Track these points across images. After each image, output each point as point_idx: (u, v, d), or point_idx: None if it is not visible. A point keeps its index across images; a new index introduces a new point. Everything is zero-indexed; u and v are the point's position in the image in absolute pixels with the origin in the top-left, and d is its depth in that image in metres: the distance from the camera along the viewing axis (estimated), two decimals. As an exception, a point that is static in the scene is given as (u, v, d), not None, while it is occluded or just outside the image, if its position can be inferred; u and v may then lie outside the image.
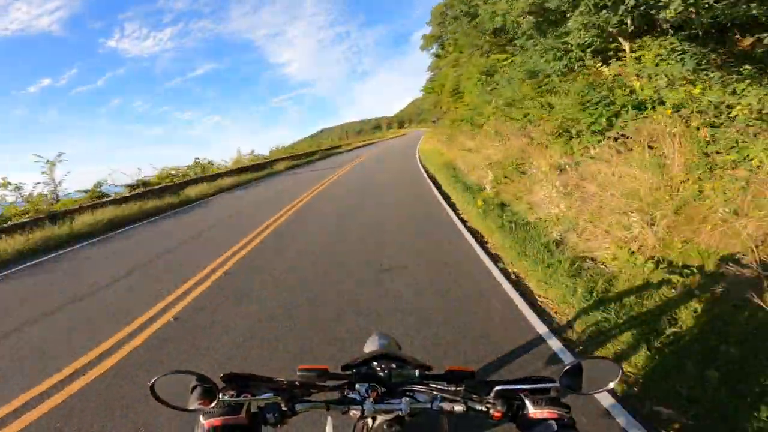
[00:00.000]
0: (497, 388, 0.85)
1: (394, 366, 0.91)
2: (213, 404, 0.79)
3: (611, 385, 0.81)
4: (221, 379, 0.84)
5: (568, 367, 0.82)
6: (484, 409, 0.85)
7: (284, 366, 2.84)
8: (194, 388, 0.81)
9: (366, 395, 0.87)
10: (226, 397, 0.81)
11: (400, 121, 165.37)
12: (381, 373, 0.91)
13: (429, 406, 0.87)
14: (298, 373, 0.88)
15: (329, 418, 1.34)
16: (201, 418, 0.80)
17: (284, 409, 0.84)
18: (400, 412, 0.87)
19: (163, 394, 0.78)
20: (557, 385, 0.82)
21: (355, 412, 0.87)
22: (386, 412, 0.87)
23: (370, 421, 0.93)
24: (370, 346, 1.35)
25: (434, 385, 0.89)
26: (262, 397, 0.84)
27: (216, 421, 0.78)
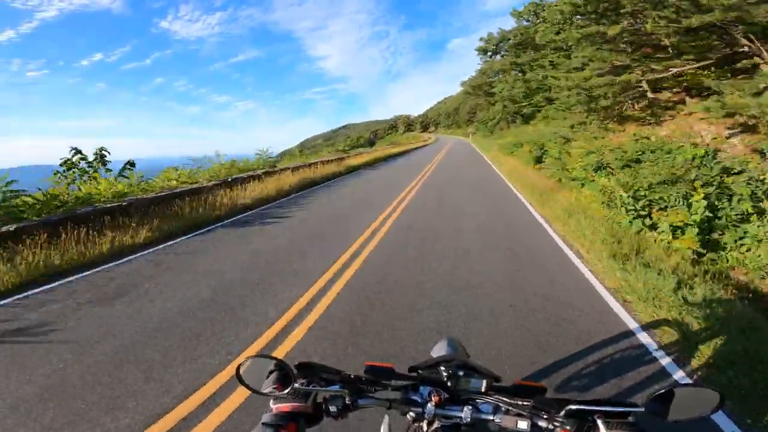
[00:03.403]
0: (570, 406, 0.80)
1: (461, 373, 0.89)
2: (287, 390, 0.83)
3: (707, 412, 0.74)
4: (295, 367, 0.87)
5: (658, 393, 0.75)
6: (551, 427, 0.81)
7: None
8: (271, 372, 0.87)
9: (428, 399, 0.88)
10: (296, 385, 0.84)
11: (425, 123, 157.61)
12: (447, 379, 0.90)
13: (491, 417, 0.86)
14: (364, 369, 0.91)
15: (386, 417, 1.19)
16: (271, 401, 0.86)
17: (348, 402, 0.87)
18: (459, 420, 0.87)
19: (246, 377, 0.85)
20: (640, 410, 0.76)
21: (414, 414, 0.89)
22: (446, 418, 0.87)
23: (425, 425, 0.90)
24: (438, 351, 1.31)
25: (500, 398, 0.88)
26: (329, 388, 0.87)
27: (284, 406, 0.83)
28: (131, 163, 10.07)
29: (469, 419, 0.85)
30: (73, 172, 9.61)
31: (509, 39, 39.00)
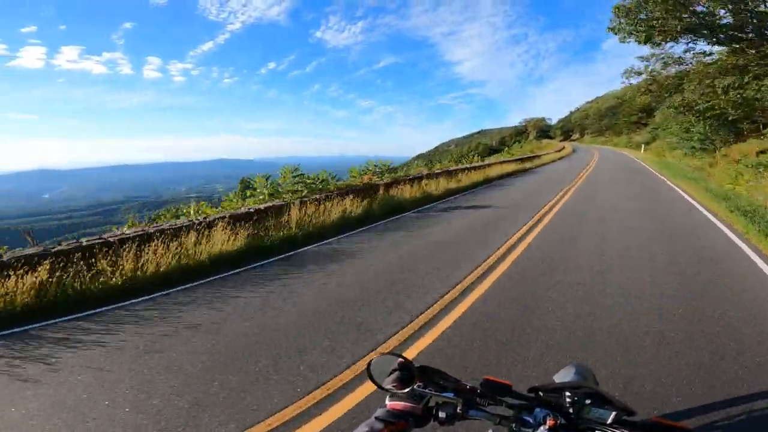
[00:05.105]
0: None
1: (587, 401, 0.84)
2: (406, 390, 0.86)
3: None
4: (416, 369, 0.89)
5: None
6: None
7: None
8: (394, 370, 0.91)
9: (542, 422, 0.84)
10: (415, 386, 0.88)
11: (566, 129, 75.43)
12: (569, 406, 0.85)
13: None
14: (480, 383, 0.89)
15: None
16: (387, 398, 0.88)
17: (458, 411, 0.86)
18: None
19: (374, 371, 0.91)
20: None
21: None
22: None
23: None
24: (563, 377, 1.24)
25: None
26: (444, 395, 0.89)
27: (398, 405, 0.86)
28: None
29: None
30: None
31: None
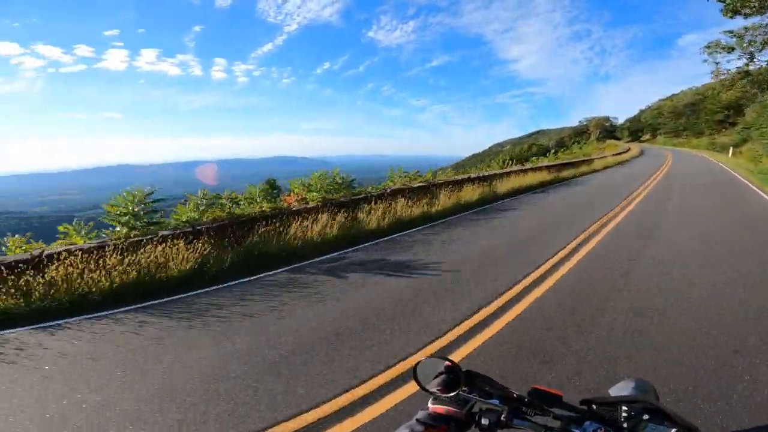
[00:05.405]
0: None
1: (645, 416, 0.79)
2: (452, 394, 0.83)
3: None
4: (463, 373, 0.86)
5: None
6: None
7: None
8: (440, 373, 0.89)
9: None
10: (460, 390, 0.83)
11: (634, 129, 63.82)
12: (624, 421, 0.80)
13: None
14: (528, 392, 0.85)
15: None
16: (430, 401, 0.86)
17: (503, 419, 0.82)
18: None
19: (420, 373, 0.88)
20: None
21: None
22: None
23: None
24: (620, 390, 1.11)
25: None
26: (489, 401, 0.85)
27: (440, 408, 0.83)
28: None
29: None
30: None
31: None
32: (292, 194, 8.49)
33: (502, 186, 12.79)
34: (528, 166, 17.97)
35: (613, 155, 32.49)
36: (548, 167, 17.73)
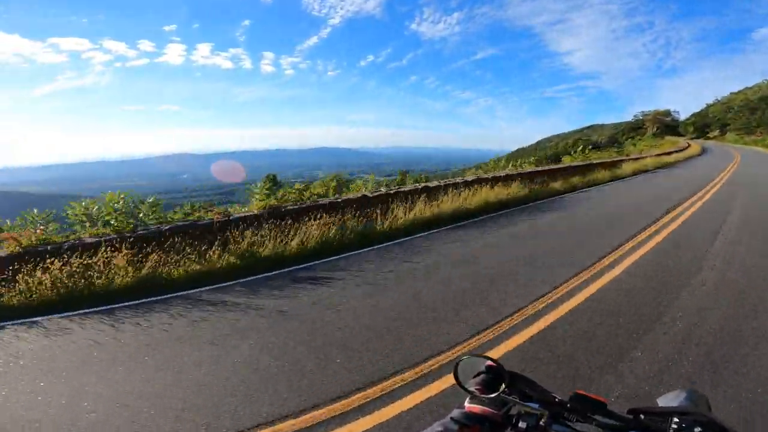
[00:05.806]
0: None
1: (697, 429, 0.74)
2: (492, 395, 0.81)
3: None
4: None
5: None
6: None
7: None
8: (480, 373, 0.88)
9: None
10: (501, 392, 0.82)
11: (701, 126, 55.41)
12: None
13: None
14: (570, 397, 0.82)
15: None
16: (467, 400, 0.85)
17: (541, 423, 0.80)
18: None
19: (460, 372, 0.87)
20: None
21: None
22: None
23: None
24: (670, 400, 1.06)
25: None
26: (528, 404, 0.83)
27: (476, 408, 0.82)
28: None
29: None
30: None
31: None
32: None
33: (475, 197, 9.64)
34: (502, 173, 12.77)
35: (664, 153, 27.48)
36: (530, 174, 12.61)
